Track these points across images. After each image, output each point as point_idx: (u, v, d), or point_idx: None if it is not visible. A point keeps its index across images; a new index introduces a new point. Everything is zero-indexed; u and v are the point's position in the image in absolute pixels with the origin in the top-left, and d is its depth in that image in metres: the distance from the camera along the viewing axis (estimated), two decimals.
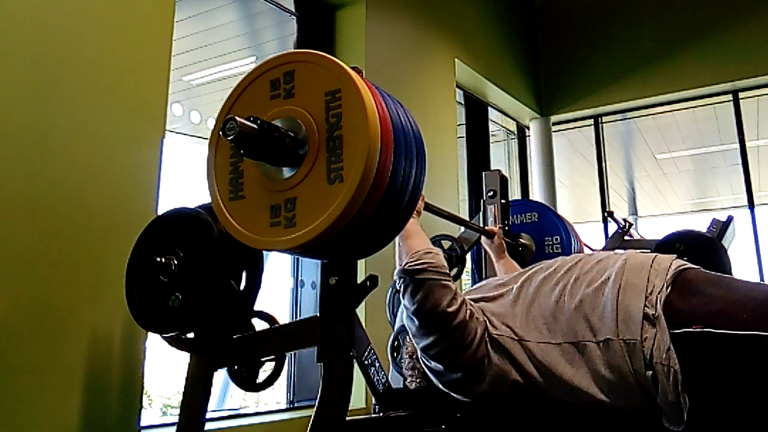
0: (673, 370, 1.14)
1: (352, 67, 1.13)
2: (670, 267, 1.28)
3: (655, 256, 1.33)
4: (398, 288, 1.43)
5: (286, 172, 1.13)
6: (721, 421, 1.17)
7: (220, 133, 1.05)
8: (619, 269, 1.30)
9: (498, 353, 1.36)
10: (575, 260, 1.43)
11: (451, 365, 1.39)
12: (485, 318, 1.40)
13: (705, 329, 1.14)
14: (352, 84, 1.08)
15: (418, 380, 1.56)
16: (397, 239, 1.45)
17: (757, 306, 1.15)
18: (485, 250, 2.42)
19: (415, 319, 1.39)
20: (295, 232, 1.08)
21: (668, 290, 1.22)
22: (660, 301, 1.20)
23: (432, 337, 1.38)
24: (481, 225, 2.48)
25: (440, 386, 1.45)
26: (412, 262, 1.39)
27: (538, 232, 2.77)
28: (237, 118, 1.04)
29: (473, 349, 1.36)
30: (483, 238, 2.34)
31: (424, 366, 1.48)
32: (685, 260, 1.33)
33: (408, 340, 1.56)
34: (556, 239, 2.72)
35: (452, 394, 1.45)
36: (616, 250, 3.54)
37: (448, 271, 1.41)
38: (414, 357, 1.55)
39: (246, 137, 1.05)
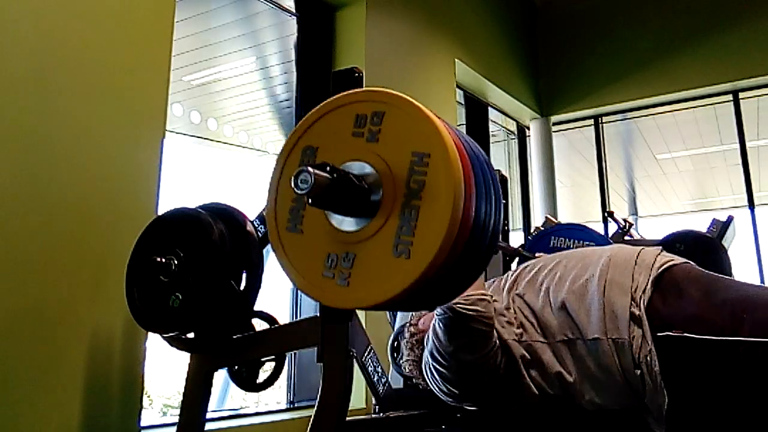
0: (655, 371, 1.16)
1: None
2: (654, 263, 1.27)
3: (641, 249, 1.33)
4: (436, 319, 1.33)
5: (351, 224, 1.00)
6: (700, 423, 1.18)
7: (292, 186, 0.92)
8: (604, 266, 1.30)
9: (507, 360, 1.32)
10: (558, 258, 1.42)
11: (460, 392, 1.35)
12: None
13: (683, 334, 1.15)
14: (444, 152, 0.95)
15: (412, 361, 1.50)
16: None
17: (733, 310, 1.15)
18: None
19: (445, 356, 1.31)
20: (348, 293, 0.99)
21: (652, 290, 1.22)
22: (644, 302, 1.21)
23: (454, 377, 1.33)
24: None
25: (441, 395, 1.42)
26: (463, 305, 1.29)
27: None
28: (310, 169, 0.91)
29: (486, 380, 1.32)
30: None
31: (431, 382, 1.41)
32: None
33: (408, 330, 1.52)
34: None
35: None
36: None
37: (493, 321, 1.32)
38: (415, 339, 1.50)
39: (319, 190, 0.92)
